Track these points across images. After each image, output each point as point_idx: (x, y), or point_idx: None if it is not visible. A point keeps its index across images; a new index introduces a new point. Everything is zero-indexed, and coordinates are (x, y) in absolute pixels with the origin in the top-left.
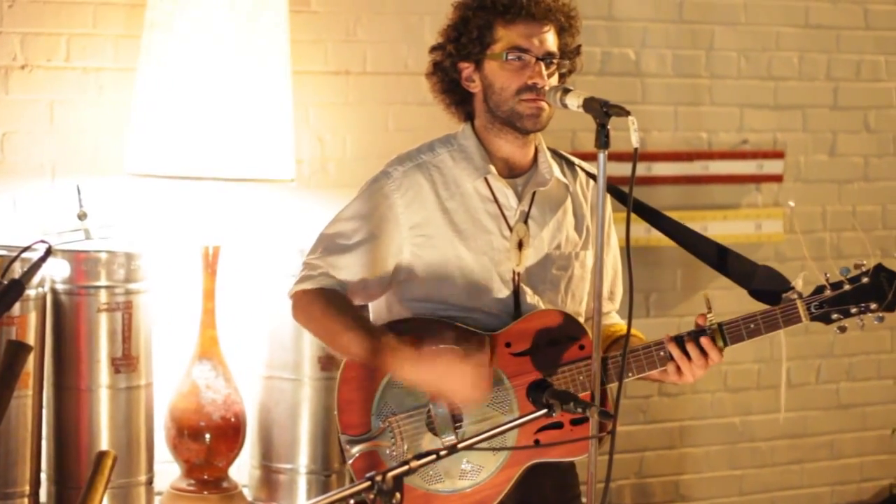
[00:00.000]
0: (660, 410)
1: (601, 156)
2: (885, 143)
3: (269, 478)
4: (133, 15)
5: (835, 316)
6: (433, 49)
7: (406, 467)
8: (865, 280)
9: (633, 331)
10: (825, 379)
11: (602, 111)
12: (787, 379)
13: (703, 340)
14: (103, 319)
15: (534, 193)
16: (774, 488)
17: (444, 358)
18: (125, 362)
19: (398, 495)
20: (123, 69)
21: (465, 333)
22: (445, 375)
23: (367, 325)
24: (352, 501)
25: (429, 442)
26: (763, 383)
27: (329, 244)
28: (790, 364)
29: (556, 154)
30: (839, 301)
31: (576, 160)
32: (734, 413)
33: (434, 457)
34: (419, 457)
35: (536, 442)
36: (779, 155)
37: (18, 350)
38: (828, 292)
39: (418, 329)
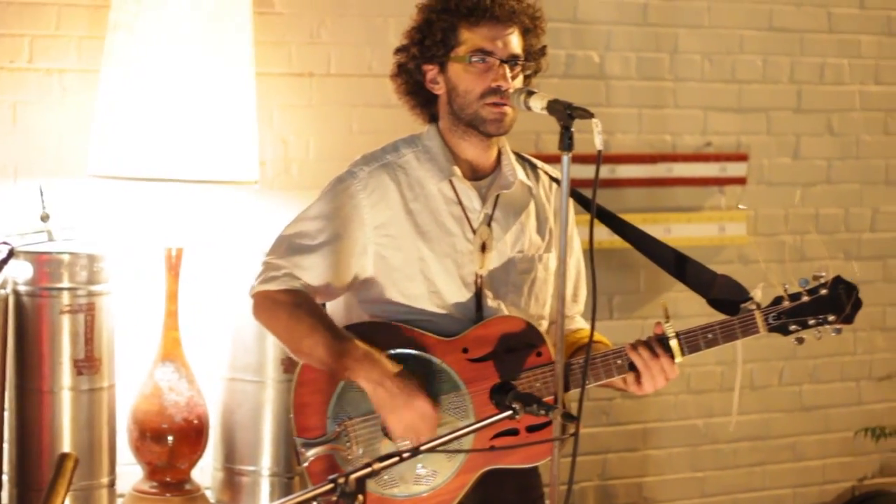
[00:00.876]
0: (623, 412)
1: (565, 158)
2: (848, 146)
3: (232, 480)
4: (96, 16)
5: (792, 327)
6: (397, 51)
7: (369, 469)
8: (824, 292)
9: (598, 336)
10: (788, 381)
11: (566, 113)
12: (749, 381)
13: (650, 341)
14: (66, 321)
15: (497, 196)
16: (737, 490)
17: (404, 393)
18: (87, 364)
19: (361, 497)
20: (87, 70)
21: (424, 339)
22: (396, 410)
23: (335, 328)
24: (314, 503)
25: (384, 447)
26: (726, 385)
27: (292, 244)
28: (753, 366)
29: (519, 157)
30: (797, 312)
31: (538, 163)
32: (697, 415)
33: (397, 458)
34: (382, 459)
35: (493, 448)
36: (742, 158)
37: None
38: (786, 303)
39: (373, 334)
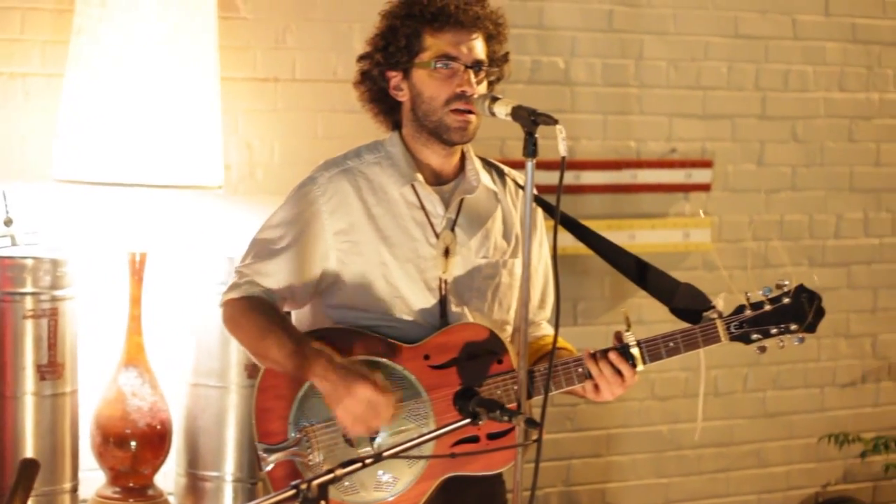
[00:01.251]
0: (587, 418)
1: (529, 164)
2: (812, 153)
3: (195, 485)
4: (61, 21)
5: (754, 336)
6: (361, 58)
7: (331, 475)
8: (786, 301)
9: (562, 343)
10: (752, 387)
11: (530, 120)
12: (713, 387)
13: (612, 355)
14: (29, 326)
15: (461, 201)
16: (701, 496)
17: (345, 381)
18: (51, 369)
19: (323, 503)
20: (51, 75)
21: (385, 345)
22: (340, 401)
23: (290, 329)
24: None
25: (344, 453)
26: (690, 391)
27: (258, 250)
28: (717, 372)
29: (486, 162)
30: (759, 321)
31: (506, 169)
32: (661, 421)
33: (360, 465)
34: (344, 465)
35: (454, 454)
36: (707, 164)
37: None
38: (748, 312)
39: (335, 340)
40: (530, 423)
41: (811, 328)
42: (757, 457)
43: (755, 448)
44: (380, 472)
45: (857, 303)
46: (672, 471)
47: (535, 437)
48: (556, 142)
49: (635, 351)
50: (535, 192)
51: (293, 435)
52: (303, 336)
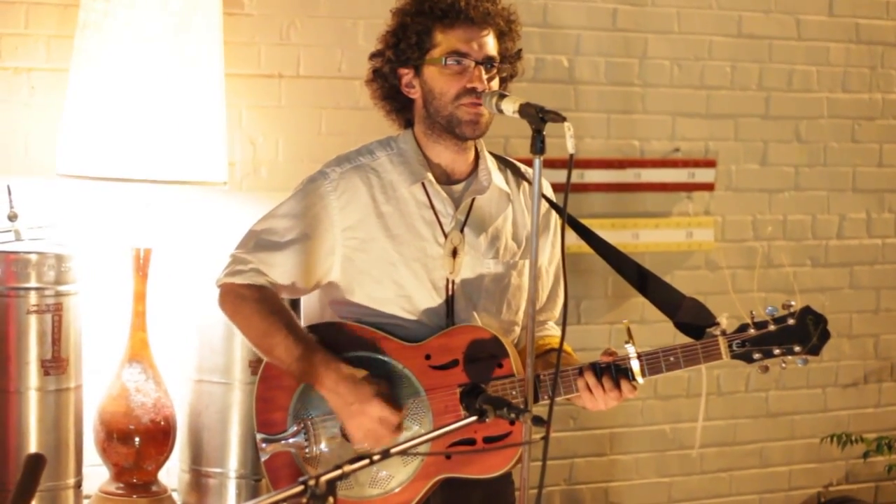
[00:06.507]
0: (590, 417)
1: (537, 162)
2: (815, 153)
3: (199, 482)
4: (66, 15)
5: (756, 355)
6: (372, 56)
7: (340, 472)
8: (791, 322)
9: (564, 346)
10: (754, 387)
11: (538, 117)
12: (716, 387)
13: (609, 365)
14: (33, 321)
15: (472, 201)
16: (703, 496)
17: (358, 399)
18: (54, 364)
19: (331, 499)
20: (56, 70)
21: (387, 343)
22: (353, 417)
23: (297, 330)
24: None
25: (342, 447)
26: (693, 391)
27: (260, 240)
28: (720, 372)
29: (502, 161)
30: (762, 341)
31: (523, 168)
32: (664, 420)
33: (368, 461)
34: (352, 461)
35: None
36: (710, 164)
37: None
38: (751, 331)
39: (338, 335)
40: (537, 420)
41: (815, 351)
42: (759, 457)
43: (757, 448)
44: (375, 468)
45: (859, 303)
46: (674, 470)
47: (540, 435)
48: (559, 140)
49: (635, 364)
50: (549, 191)
51: (293, 426)
52: (310, 339)
